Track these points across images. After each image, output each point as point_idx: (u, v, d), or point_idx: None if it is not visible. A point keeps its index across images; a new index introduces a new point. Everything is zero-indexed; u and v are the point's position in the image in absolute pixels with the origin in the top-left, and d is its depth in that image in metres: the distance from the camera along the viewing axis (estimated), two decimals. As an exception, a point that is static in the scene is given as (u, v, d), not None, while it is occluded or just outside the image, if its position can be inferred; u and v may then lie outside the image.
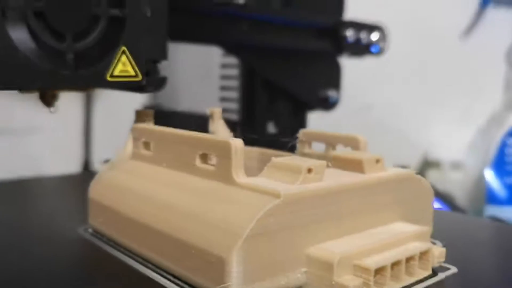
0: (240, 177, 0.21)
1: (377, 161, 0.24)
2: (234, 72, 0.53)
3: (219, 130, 0.32)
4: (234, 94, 0.53)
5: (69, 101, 0.63)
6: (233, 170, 0.21)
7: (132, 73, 0.24)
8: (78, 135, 0.64)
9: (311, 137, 0.29)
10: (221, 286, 0.18)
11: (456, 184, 0.62)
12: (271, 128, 0.50)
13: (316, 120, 0.52)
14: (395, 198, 0.24)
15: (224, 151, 0.21)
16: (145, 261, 0.23)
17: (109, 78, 0.23)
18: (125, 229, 0.24)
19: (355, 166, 0.24)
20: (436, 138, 0.67)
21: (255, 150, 0.30)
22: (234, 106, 0.53)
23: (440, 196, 0.53)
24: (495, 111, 0.56)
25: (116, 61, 0.23)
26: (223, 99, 0.54)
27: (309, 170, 0.21)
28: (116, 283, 0.22)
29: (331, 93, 0.52)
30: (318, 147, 0.29)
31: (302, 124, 0.53)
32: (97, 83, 0.24)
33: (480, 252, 0.27)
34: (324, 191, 0.21)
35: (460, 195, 0.63)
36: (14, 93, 0.22)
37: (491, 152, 0.51)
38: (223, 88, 0.54)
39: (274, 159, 0.22)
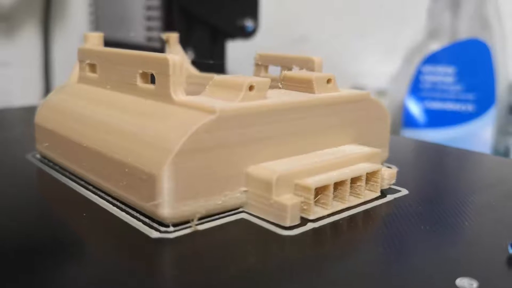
0: (179, 95, 0.20)
1: (328, 80, 0.23)
2: (157, 2, 0.53)
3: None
4: (157, 24, 0.54)
5: (28, 37, 0.62)
6: (171, 87, 0.20)
7: None
8: (38, 70, 0.64)
9: (266, 60, 0.28)
10: (152, 203, 0.18)
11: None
12: (190, 56, 0.50)
13: (248, 51, 0.53)
14: (347, 119, 0.23)
15: (162, 68, 0.20)
16: (87, 184, 0.22)
17: None
18: (68, 153, 0.24)
19: (305, 86, 0.23)
20: (365, 68, 0.69)
21: (212, 76, 0.29)
22: (157, 34, 0.54)
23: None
24: (418, 41, 0.57)
25: None
26: (148, 29, 0.55)
27: (251, 87, 0.20)
28: (54, 205, 0.21)
29: (248, 22, 0.53)
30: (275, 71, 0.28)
31: (221, 52, 0.54)
32: None
33: (433, 176, 0.26)
34: (264, 108, 0.20)
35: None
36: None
37: (410, 80, 0.54)
38: (148, 18, 0.54)
39: (216, 77, 0.21)
